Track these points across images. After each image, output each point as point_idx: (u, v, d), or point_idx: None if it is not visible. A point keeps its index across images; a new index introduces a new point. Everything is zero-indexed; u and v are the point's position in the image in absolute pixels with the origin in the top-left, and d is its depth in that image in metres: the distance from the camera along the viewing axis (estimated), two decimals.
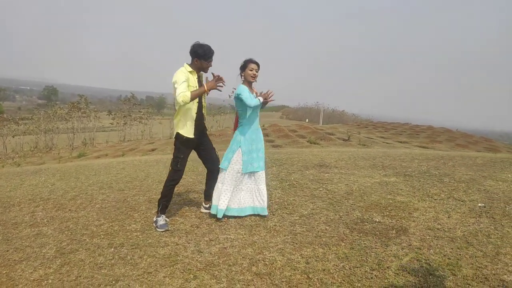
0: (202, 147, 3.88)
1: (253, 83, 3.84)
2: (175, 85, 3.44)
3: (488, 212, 3.82)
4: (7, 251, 3.27)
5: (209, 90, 3.56)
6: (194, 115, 3.63)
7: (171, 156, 3.81)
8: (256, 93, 3.85)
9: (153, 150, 17.51)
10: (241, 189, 3.89)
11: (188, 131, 3.63)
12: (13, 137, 25.56)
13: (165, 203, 3.73)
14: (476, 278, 2.53)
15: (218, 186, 3.83)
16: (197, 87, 3.58)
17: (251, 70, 3.73)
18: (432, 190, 4.67)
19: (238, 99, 3.69)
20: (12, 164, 15.68)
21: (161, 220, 3.68)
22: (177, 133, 3.66)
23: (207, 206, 4.08)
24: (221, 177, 3.84)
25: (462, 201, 4.21)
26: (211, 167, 3.97)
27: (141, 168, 7.16)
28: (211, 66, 3.68)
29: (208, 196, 4.06)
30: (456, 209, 3.95)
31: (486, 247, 3.00)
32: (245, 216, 3.88)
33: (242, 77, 3.80)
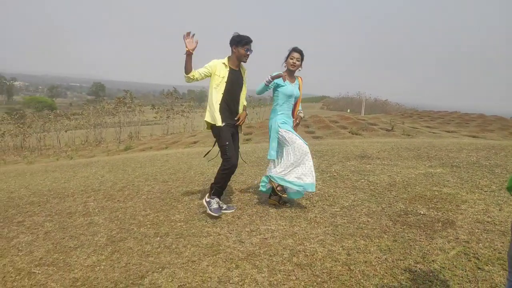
0: (234, 138, 3.89)
1: (296, 72, 3.86)
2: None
3: None
4: (63, 238, 3.50)
5: (189, 50, 3.50)
6: (218, 106, 3.69)
7: (214, 149, 3.88)
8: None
9: (195, 142, 17.94)
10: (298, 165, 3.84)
11: (218, 118, 3.67)
12: (65, 131, 27.15)
13: (218, 189, 3.79)
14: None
15: (277, 170, 3.85)
16: (225, 78, 3.67)
17: (292, 59, 3.77)
18: (482, 182, 4.45)
19: (275, 88, 3.77)
20: (65, 157, 16.68)
21: (215, 203, 3.74)
22: (206, 122, 3.76)
23: (208, 200, 3.83)
24: (272, 166, 3.92)
25: None
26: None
27: (184, 160, 7.37)
28: (248, 54, 3.71)
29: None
30: (508, 202, 3.74)
31: None
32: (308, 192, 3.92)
33: (285, 65, 3.84)
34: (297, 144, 3.75)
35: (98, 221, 3.90)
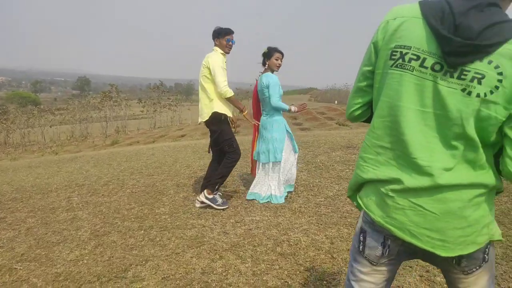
0: None
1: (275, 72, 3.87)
2: (215, 70, 3.56)
3: None
4: (46, 234, 3.46)
5: (244, 116, 3.79)
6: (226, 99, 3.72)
7: (200, 142, 3.87)
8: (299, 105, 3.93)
9: (182, 136, 17.85)
10: (294, 170, 4.02)
11: (226, 108, 3.70)
12: (50, 127, 26.75)
13: (221, 182, 3.82)
14: (506, 257, 2.46)
15: (280, 177, 3.87)
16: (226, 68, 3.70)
17: (277, 60, 3.76)
18: None
19: (267, 88, 3.71)
20: (50, 153, 16.44)
21: (219, 198, 3.77)
22: (216, 113, 3.66)
23: (212, 197, 3.81)
24: (277, 169, 3.90)
25: None
26: (220, 156, 3.93)
27: (170, 154, 7.33)
28: (230, 44, 3.69)
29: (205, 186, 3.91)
30: None
31: None
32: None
33: (266, 65, 3.81)
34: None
35: (81, 216, 3.86)
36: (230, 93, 3.60)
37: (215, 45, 3.70)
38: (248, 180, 4.69)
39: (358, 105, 1.26)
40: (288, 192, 4.01)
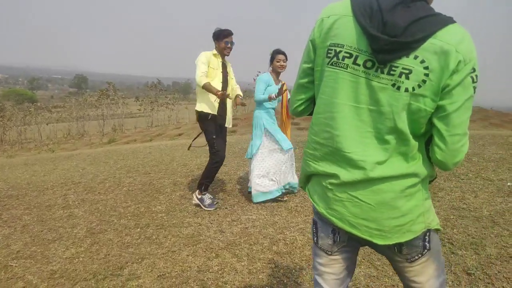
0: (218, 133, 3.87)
1: (281, 73, 3.90)
2: (196, 64, 3.58)
3: None
4: (42, 231, 3.45)
5: (219, 97, 3.55)
6: (214, 97, 3.65)
7: (198, 141, 3.87)
8: (282, 84, 3.86)
9: (180, 134, 17.84)
10: (285, 168, 3.91)
11: (210, 107, 3.65)
12: (47, 124, 26.65)
13: (208, 183, 3.79)
14: (500, 257, 2.48)
15: (253, 173, 3.85)
16: (220, 69, 3.67)
17: (278, 61, 3.79)
18: (459, 170, 4.55)
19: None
20: (47, 151, 16.39)
21: (207, 199, 3.76)
22: (199, 112, 3.68)
23: (200, 197, 3.84)
24: (252, 165, 3.87)
25: (490, 181, 4.09)
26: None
27: (167, 152, 7.32)
28: (229, 46, 3.68)
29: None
30: (484, 189, 3.84)
31: None
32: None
33: (271, 68, 3.87)
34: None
35: (77, 214, 3.86)
36: (202, 81, 3.50)
37: (215, 46, 3.70)
38: (244, 179, 4.70)
39: (301, 101, 1.29)
40: (286, 193, 3.98)
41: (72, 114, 28.56)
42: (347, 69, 1.06)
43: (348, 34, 1.06)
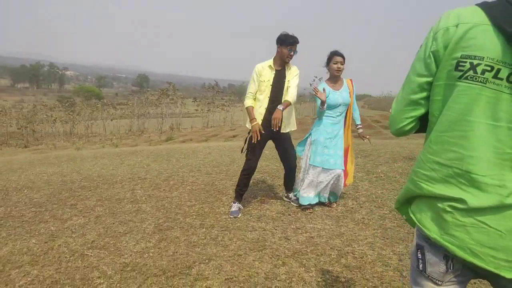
0: (277, 142, 3.83)
1: (340, 75, 3.72)
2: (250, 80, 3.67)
3: None
4: (113, 223, 3.62)
5: (253, 129, 3.52)
6: (263, 110, 3.62)
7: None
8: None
9: (234, 136, 18.09)
10: (321, 183, 3.76)
11: (257, 117, 3.63)
12: (111, 120, 28.29)
13: (239, 191, 3.81)
14: None
15: (300, 175, 3.88)
16: (270, 81, 3.59)
17: (335, 64, 3.62)
18: None
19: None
20: (110, 145, 17.36)
21: (234, 206, 3.78)
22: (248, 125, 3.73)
23: (286, 195, 4.15)
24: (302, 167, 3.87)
25: None
26: (286, 165, 3.93)
27: (226, 154, 7.42)
28: (292, 54, 3.56)
29: (287, 187, 4.11)
30: None
31: None
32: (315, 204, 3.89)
33: (328, 70, 3.71)
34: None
35: (145, 209, 4.00)
36: (246, 104, 3.66)
37: (277, 51, 3.61)
38: None
39: (411, 119, 1.16)
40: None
41: (134, 111, 30.06)
42: (486, 83, 0.96)
43: (488, 45, 0.96)
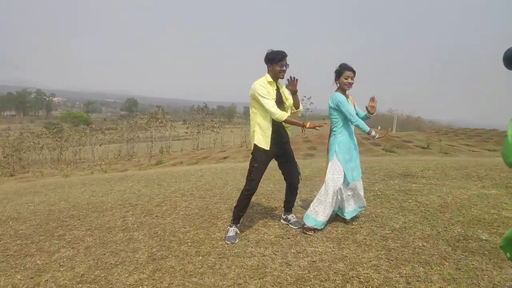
0: (282, 160, 3.76)
1: (347, 90, 3.67)
2: (259, 98, 3.43)
3: None
4: (104, 254, 3.43)
5: (308, 128, 3.38)
6: (271, 126, 3.53)
7: (246, 164, 3.76)
8: (370, 102, 3.69)
9: (225, 158, 17.95)
10: (341, 199, 3.78)
11: (263, 141, 3.53)
12: (100, 145, 27.95)
13: (238, 213, 3.67)
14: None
15: (321, 197, 3.65)
16: (275, 99, 3.51)
17: (347, 79, 3.57)
18: None
19: (336, 109, 3.56)
20: (99, 171, 17.04)
21: (231, 231, 3.64)
22: (255, 145, 3.59)
23: (284, 217, 4.02)
24: (322, 188, 3.68)
25: None
26: (290, 182, 3.85)
27: (219, 176, 7.28)
28: (284, 69, 3.51)
29: (287, 208, 3.98)
30: None
31: None
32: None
33: (337, 84, 3.66)
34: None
35: (137, 237, 3.82)
36: (284, 116, 3.41)
37: (268, 70, 3.57)
38: (304, 205, 4.49)
39: None
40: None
41: (123, 135, 29.78)
42: None
43: None
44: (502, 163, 7.09)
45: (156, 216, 4.56)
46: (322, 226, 3.66)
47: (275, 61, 3.48)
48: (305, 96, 27.69)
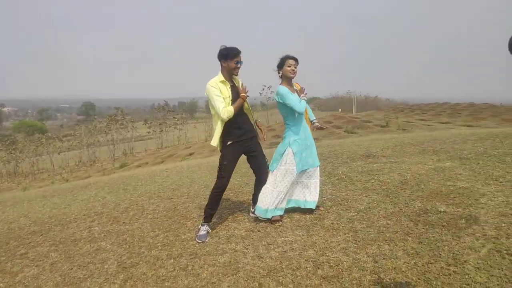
0: (251, 154, 3.77)
1: (292, 79, 3.70)
2: (209, 99, 3.47)
3: None
4: (71, 269, 3.33)
5: (243, 96, 3.46)
6: (233, 123, 3.54)
7: (212, 159, 3.75)
8: (299, 89, 3.71)
9: (191, 154, 17.77)
10: (294, 187, 3.84)
11: (225, 139, 3.55)
12: (58, 154, 26.84)
13: (209, 211, 3.67)
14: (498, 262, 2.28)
15: (268, 188, 3.72)
16: (230, 96, 3.49)
17: (289, 66, 3.59)
18: (496, 172, 4.36)
19: (281, 103, 3.58)
20: (61, 180, 16.40)
21: (203, 230, 3.62)
22: (220, 142, 3.61)
23: (253, 210, 4.00)
24: (270, 179, 3.73)
25: None
26: (259, 175, 3.86)
27: (185, 174, 7.21)
28: (239, 66, 3.52)
29: (256, 201, 3.99)
30: None
31: None
32: (289, 207, 3.90)
33: (280, 74, 3.67)
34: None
35: (105, 247, 3.73)
36: (228, 112, 3.40)
37: (222, 66, 3.52)
38: None
39: None
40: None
41: (82, 141, 28.75)
42: None
43: None
44: (455, 135, 7.42)
45: (124, 222, 4.46)
46: (270, 216, 3.69)
47: (230, 57, 3.45)
48: (265, 85, 27.79)
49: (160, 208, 4.82)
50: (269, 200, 3.66)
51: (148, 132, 29.53)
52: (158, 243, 3.64)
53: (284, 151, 3.64)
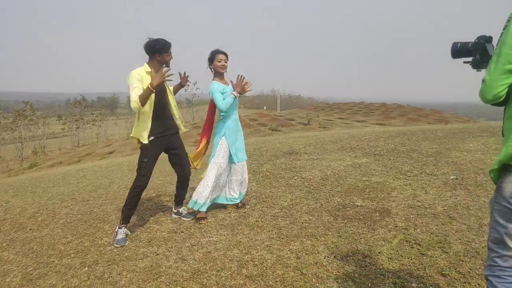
0: (172, 151, 3.62)
1: (224, 74, 3.70)
2: (128, 87, 3.22)
3: (461, 184, 3.91)
4: None
5: (156, 85, 3.12)
6: (150, 118, 3.34)
7: (133, 158, 3.55)
8: (232, 82, 3.68)
9: (111, 152, 16.86)
10: (224, 181, 3.84)
11: (145, 135, 3.34)
12: None
13: (127, 212, 3.45)
14: (468, 253, 2.54)
15: (202, 180, 3.69)
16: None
17: (220, 61, 3.59)
18: (404, 167, 4.74)
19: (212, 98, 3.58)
20: None
21: (121, 233, 3.39)
22: (139, 138, 3.40)
23: (176, 211, 3.89)
24: (208, 172, 3.68)
25: (434, 175, 4.29)
26: (180, 173, 3.74)
27: (103, 174, 6.77)
28: (172, 58, 3.41)
29: (178, 201, 3.86)
30: (431, 184, 4.01)
31: (469, 219, 3.05)
32: (220, 203, 3.93)
33: (212, 69, 3.64)
34: None
35: (8, 258, 3.33)
36: (136, 102, 3.11)
37: (156, 59, 3.31)
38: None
39: (505, 86, 1.42)
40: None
41: None
42: None
43: None
44: (370, 133, 7.96)
45: (30, 229, 4.03)
46: (203, 208, 3.65)
47: (165, 49, 3.32)
48: (190, 82, 27.39)
49: (74, 212, 4.45)
50: (200, 190, 3.65)
51: (63, 129, 27.33)
52: (70, 250, 3.34)
53: (219, 142, 3.65)
